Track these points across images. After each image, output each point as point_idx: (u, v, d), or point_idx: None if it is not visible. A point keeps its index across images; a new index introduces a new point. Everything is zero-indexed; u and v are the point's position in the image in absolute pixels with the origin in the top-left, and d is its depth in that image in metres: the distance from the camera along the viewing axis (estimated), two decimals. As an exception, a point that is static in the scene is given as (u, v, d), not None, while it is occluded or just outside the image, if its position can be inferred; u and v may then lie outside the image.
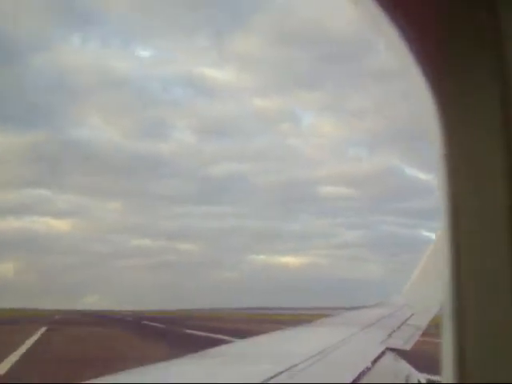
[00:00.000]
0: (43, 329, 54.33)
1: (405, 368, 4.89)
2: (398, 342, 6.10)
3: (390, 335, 6.56)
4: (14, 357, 24.72)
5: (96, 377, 3.53)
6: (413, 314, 9.21)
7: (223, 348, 5.36)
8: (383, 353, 5.11)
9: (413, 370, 4.91)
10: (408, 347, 6.06)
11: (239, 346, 5.86)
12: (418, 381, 4.66)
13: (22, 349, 29.26)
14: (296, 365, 3.75)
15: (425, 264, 12.25)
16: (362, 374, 3.81)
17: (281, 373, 3.40)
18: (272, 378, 3.24)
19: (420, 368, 5.18)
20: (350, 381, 3.39)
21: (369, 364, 4.25)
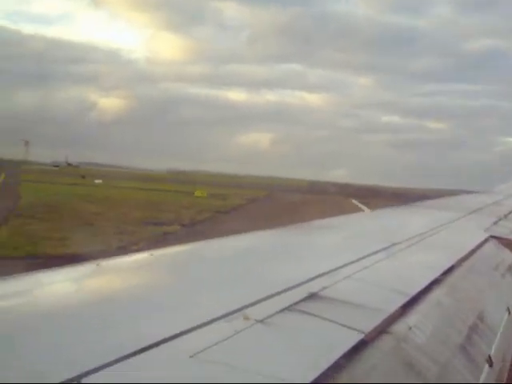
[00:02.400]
0: (353, 200, 60.58)
1: (508, 257, 4.73)
2: (503, 231, 5.86)
3: (495, 223, 6.32)
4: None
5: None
6: None
7: (332, 220, 5.44)
8: (486, 240, 4.95)
9: None
10: None
11: (350, 219, 5.85)
12: None
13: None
14: (396, 243, 3.75)
15: None
16: (463, 259, 3.76)
17: (379, 251, 3.42)
18: (371, 254, 3.26)
19: None
20: (449, 265, 3.37)
21: (470, 250, 4.17)
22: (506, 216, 7.07)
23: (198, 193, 60.07)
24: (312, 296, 2.20)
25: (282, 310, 1.98)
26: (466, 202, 9.12)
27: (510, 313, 3.20)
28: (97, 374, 1.30)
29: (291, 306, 2.04)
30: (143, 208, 38.51)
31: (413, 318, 2.25)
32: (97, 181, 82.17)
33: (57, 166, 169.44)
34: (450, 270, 3.26)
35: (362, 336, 1.84)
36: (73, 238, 22.48)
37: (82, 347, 1.48)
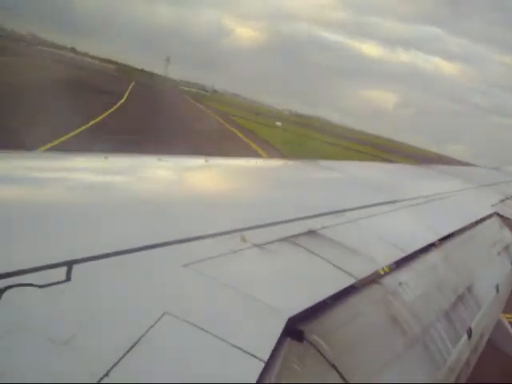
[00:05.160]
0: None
1: (508, 237, 4.72)
2: (508, 211, 5.81)
3: (502, 201, 6.27)
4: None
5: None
6: None
7: (345, 164, 5.50)
8: (490, 216, 4.91)
9: None
10: None
11: (361, 167, 5.95)
12: None
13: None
14: (402, 200, 3.74)
15: None
16: (464, 229, 3.75)
17: (384, 203, 3.43)
18: (376, 205, 3.26)
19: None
20: (449, 231, 3.38)
21: (473, 222, 4.15)
22: None
23: None
24: (311, 233, 2.21)
25: (280, 240, 1.99)
26: (480, 175, 9.13)
27: (497, 291, 3.25)
28: (86, 264, 1.30)
29: (289, 237, 2.05)
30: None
31: (405, 274, 2.26)
32: (277, 123, 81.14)
33: (206, 91, 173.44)
34: (449, 237, 3.28)
35: (353, 281, 1.85)
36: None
37: (72, 237, 1.48)
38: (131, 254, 1.44)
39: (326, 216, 2.56)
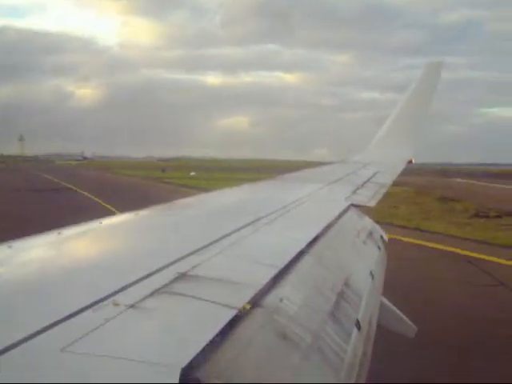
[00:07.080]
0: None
1: (368, 224, 5.05)
2: (362, 199, 6.19)
3: (354, 192, 6.62)
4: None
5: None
6: (377, 172, 9.30)
7: (193, 199, 5.47)
8: (347, 209, 5.18)
9: (376, 226, 5.10)
10: (372, 204, 6.20)
11: (211, 196, 5.92)
12: (381, 237, 4.81)
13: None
14: (260, 218, 3.79)
15: (394, 119, 12.18)
16: (326, 228, 3.89)
17: (245, 226, 3.43)
18: (237, 230, 3.26)
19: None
20: (313, 235, 3.45)
21: (333, 219, 4.33)
22: (363, 185, 7.43)
23: None
24: (182, 276, 2.15)
25: (153, 293, 1.91)
26: (325, 173, 9.45)
27: (373, 277, 3.39)
28: None
29: (161, 288, 1.98)
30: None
31: (283, 289, 2.27)
32: (192, 173, 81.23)
33: (80, 160, 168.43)
34: (315, 240, 3.35)
35: (235, 312, 1.83)
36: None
37: None
38: (3, 355, 1.31)
39: (193, 255, 2.53)
